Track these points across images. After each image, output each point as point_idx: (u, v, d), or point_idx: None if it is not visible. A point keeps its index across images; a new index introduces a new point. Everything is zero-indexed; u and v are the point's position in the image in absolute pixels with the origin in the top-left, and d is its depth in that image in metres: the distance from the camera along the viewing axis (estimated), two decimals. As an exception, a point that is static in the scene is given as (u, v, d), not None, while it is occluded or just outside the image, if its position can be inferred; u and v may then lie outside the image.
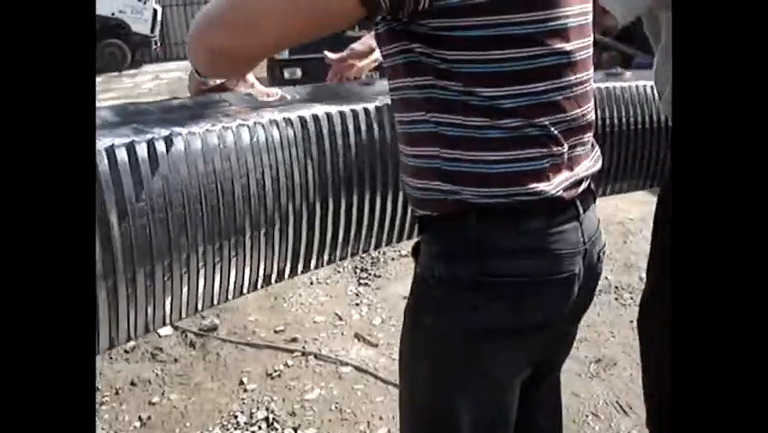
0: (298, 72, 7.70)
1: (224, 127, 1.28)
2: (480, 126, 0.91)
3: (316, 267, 1.56)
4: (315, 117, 1.41)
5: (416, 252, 1.05)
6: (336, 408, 2.53)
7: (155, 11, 16.94)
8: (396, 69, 0.97)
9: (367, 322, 3.18)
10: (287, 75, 7.99)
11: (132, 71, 15.92)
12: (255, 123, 1.33)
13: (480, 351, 0.99)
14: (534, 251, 0.95)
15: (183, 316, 1.34)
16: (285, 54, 7.54)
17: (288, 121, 1.37)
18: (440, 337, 1.00)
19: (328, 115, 1.42)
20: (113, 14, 16.96)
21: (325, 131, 1.42)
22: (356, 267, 3.80)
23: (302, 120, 1.38)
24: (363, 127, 1.46)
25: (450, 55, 0.89)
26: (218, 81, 1.33)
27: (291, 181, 1.37)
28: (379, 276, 3.68)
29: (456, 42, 0.88)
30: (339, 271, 3.77)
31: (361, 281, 3.64)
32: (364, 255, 3.91)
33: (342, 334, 3.09)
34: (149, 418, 2.56)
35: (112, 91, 12.33)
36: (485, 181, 0.93)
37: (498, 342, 0.99)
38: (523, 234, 0.95)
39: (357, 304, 3.38)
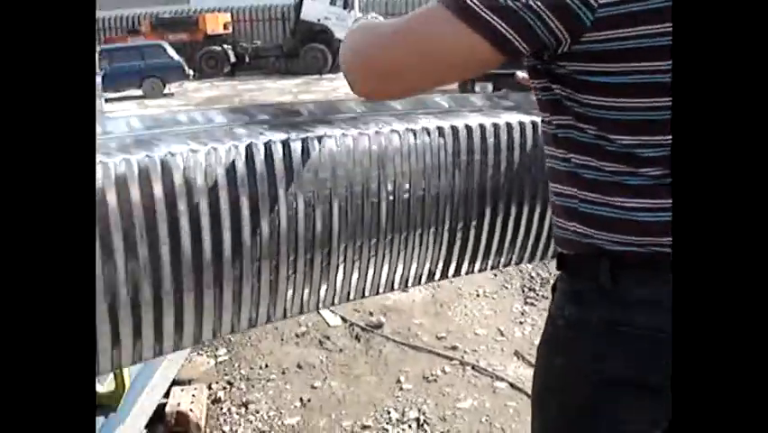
0: (489, 87, 7.77)
1: (407, 129, 1.36)
2: (616, 172, 0.87)
3: (472, 272, 1.59)
4: (495, 126, 1.45)
5: (554, 288, 1.03)
6: (487, 420, 2.54)
7: (357, 20, 17.74)
8: (542, 104, 0.96)
9: (528, 341, 3.16)
10: (477, 89, 8.07)
11: (332, 75, 16.76)
12: (423, 128, 1.40)
13: (606, 400, 0.94)
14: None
15: (336, 303, 1.43)
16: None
17: (470, 128, 1.43)
18: (568, 381, 0.98)
19: (508, 126, 1.47)
20: (318, 21, 18.00)
21: (504, 142, 1.46)
22: (524, 286, 3.78)
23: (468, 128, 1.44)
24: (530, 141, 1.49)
25: (585, 99, 0.86)
26: None
27: (460, 187, 1.42)
28: (547, 297, 3.63)
29: (593, 87, 0.85)
30: (506, 288, 3.77)
31: (528, 300, 3.61)
32: (534, 275, 3.88)
33: (503, 350, 3.10)
34: (309, 400, 2.71)
35: (311, 93, 13.03)
36: (621, 228, 0.88)
37: (627, 394, 0.92)
38: (661, 286, 0.86)
39: (521, 322, 3.37)
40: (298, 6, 18.63)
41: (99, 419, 2.13)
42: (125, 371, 2.08)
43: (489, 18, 0.81)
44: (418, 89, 0.97)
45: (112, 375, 2.10)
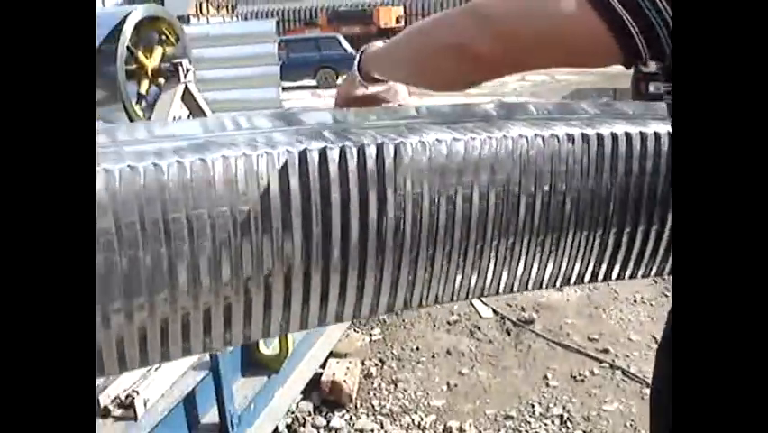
0: (662, 87, 7.42)
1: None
2: None
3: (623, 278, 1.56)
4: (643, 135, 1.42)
5: None
6: (631, 426, 2.51)
7: None
8: (669, 108, 0.92)
9: (685, 352, 3.06)
10: (652, 89, 7.73)
11: (500, 71, 16.59)
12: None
13: None
14: None
15: (503, 293, 1.45)
16: (652, 67, 7.29)
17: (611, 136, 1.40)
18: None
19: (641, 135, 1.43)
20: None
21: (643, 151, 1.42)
22: (685, 295, 3.64)
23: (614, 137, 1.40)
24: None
25: None
26: (380, 89, 1.25)
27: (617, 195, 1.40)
28: (709, 309, 3.49)
29: None
30: (666, 295, 3.65)
31: (688, 310, 3.48)
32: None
33: (656, 357, 3.02)
34: (455, 385, 2.80)
35: (480, 87, 13.02)
36: None
37: None
38: None
39: (678, 332, 3.26)
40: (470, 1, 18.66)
41: (262, 379, 2.34)
42: (290, 337, 2.26)
43: (620, 12, 0.78)
44: (534, 68, 0.91)
45: (277, 339, 2.29)
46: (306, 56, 16.03)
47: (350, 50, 16.51)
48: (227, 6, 10.28)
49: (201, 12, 9.35)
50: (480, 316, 3.38)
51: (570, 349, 3.08)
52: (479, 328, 3.26)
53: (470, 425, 2.55)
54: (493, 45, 0.84)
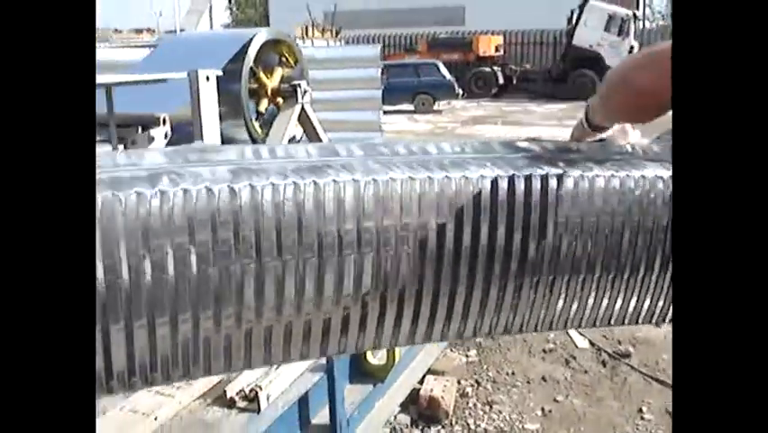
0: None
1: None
2: None
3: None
4: None
5: None
6: (732, 466, 2.49)
7: (631, 47, 17.20)
8: None
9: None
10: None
11: (599, 103, 16.37)
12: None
13: None
14: None
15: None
16: None
17: None
18: None
19: None
20: (590, 47, 17.77)
21: None
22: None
23: None
24: None
25: None
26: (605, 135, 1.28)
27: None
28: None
29: None
30: None
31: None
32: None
33: (757, 401, 2.97)
34: (549, 411, 2.84)
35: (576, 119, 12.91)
36: None
37: None
38: None
39: (781, 377, 3.19)
40: (571, 32, 18.58)
41: (366, 387, 2.45)
42: (397, 349, 2.37)
43: None
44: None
45: (385, 350, 2.40)
46: (405, 81, 16.25)
47: (448, 76, 16.65)
48: (332, 31, 10.57)
49: (306, 35, 9.66)
50: (576, 346, 3.40)
51: (666, 385, 3.06)
52: (574, 358, 3.29)
53: (564, 451, 2.59)
54: (648, 79, 0.92)
